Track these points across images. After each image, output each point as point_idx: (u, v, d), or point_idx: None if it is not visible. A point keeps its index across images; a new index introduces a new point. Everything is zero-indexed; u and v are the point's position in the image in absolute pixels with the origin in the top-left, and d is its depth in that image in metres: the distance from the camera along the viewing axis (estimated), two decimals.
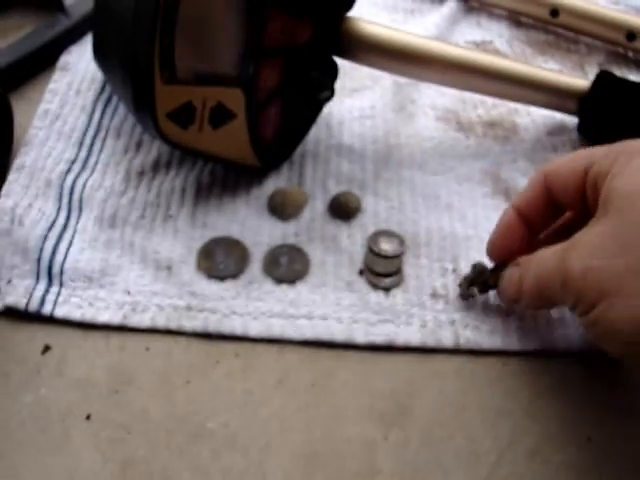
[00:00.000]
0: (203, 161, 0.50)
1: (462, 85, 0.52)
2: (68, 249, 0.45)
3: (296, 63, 0.47)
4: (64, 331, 0.41)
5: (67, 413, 0.38)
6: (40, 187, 0.48)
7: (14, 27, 0.61)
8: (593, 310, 0.33)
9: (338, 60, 0.50)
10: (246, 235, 0.46)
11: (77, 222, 0.46)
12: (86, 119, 0.54)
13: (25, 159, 0.50)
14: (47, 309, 0.42)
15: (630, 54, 0.64)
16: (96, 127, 0.53)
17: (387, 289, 0.44)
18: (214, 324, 0.41)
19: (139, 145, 0.52)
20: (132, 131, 0.53)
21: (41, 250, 0.44)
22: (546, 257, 0.37)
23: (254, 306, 0.42)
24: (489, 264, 0.43)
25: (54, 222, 0.46)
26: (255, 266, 0.45)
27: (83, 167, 0.50)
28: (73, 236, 0.46)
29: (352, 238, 0.46)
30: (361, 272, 0.45)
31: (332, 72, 0.49)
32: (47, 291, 0.42)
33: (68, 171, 0.50)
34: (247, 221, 0.47)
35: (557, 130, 0.55)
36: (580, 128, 0.54)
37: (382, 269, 0.44)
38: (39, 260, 0.44)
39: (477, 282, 0.43)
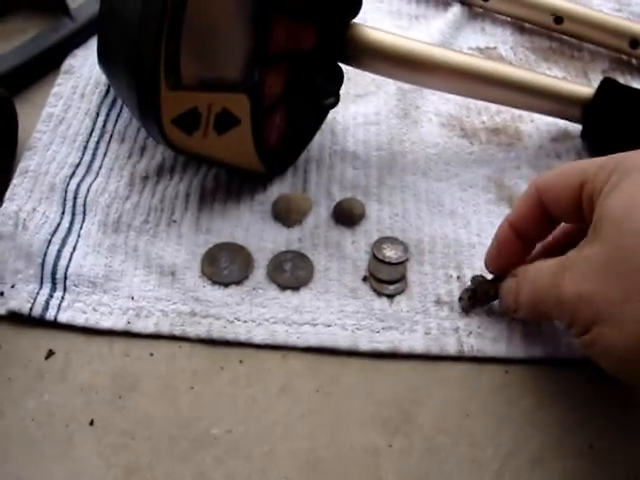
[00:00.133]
0: (207, 166, 0.50)
1: (466, 92, 0.52)
2: (72, 254, 0.45)
3: (301, 69, 0.47)
4: (68, 336, 0.41)
5: (71, 418, 0.38)
6: (44, 191, 0.48)
7: (19, 30, 0.61)
8: (588, 333, 0.33)
9: (342, 66, 0.50)
10: (250, 241, 0.46)
11: (81, 227, 0.46)
12: (90, 123, 0.54)
13: (29, 163, 0.50)
14: (51, 314, 0.42)
15: (634, 61, 0.64)
16: (100, 131, 0.53)
17: (391, 296, 0.44)
18: (218, 330, 0.41)
19: (143, 149, 0.52)
20: (136, 135, 0.53)
21: (45, 255, 0.44)
22: (541, 272, 0.37)
23: (258, 312, 0.43)
24: (488, 275, 0.43)
25: (58, 226, 0.46)
26: (259, 272, 0.45)
27: (87, 171, 0.50)
28: (77, 241, 0.46)
29: (356, 244, 0.46)
30: (365, 279, 0.45)
31: (337, 78, 0.49)
32: (51, 296, 0.42)
33: (72, 175, 0.50)
34: (251, 227, 0.47)
35: (561, 137, 0.55)
36: (583, 135, 0.54)
37: (386, 276, 0.44)
38: (43, 265, 0.44)
39: (478, 293, 0.43)
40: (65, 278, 0.43)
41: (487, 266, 0.43)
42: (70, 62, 0.58)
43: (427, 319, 0.43)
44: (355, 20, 0.49)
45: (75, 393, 0.39)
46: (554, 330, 0.42)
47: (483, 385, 0.41)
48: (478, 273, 0.44)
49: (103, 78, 0.57)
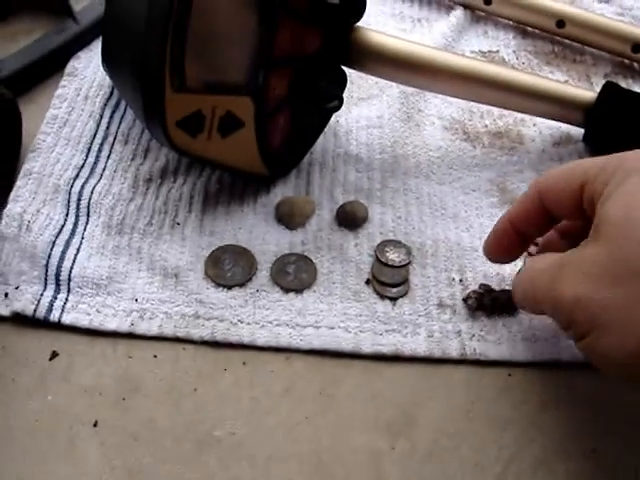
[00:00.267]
0: (211, 169, 0.50)
1: (469, 95, 0.52)
2: (76, 255, 0.45)
3: (305, 72, 0.47)
4: (72, 338, 0.42)
5: (74, 420, 0.38)
6: (48, 193, 0.48)
7: (23, 32, 0.61)
8: (586, 338, 0.33)
9: (346, 69, 0.50)
10: (253, 243, 0.46)
11: (85, 228, 0.47)
12: (94, 125, 0.54)
13: (33, 165, 0.50)
14: (55, 315, 0.42)
15: (636, 65, 0.64)
16: (104, 133, 0.54)
17: (394, 299, 0.44)
18: (221, 332, 0.42)
19: (147, 152, 0.52)
20: (140, 137, 0.53)
21: (49, 256, 0.44)
22: (539, 270, 0.37)
23: (261, 314, 0.43)
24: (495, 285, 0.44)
25: (62, 228, 0.46)
26: (262, 274, 0.45)
27: (91, 173, 0.50)
28: (81, 242, 0.46)
29: (359, 247, 0.47)
30: (368, 282, 0.45)
31: (340, 82, 0.49)
32: (55, 297, 0.43)
33: (76, 177, 0.50)
34: (254, 229, 0.47)
35: (563, 141, 0.56)
36: (586, 139, 0.54)
37: (389, 279, 0.44)
38: (47, 266, 0.44)
39: (485, 299, 0.43)
40: (69, 280, 0.43)
41: (485, 253, 0.43)
42: (74, 64, 0.59)
43: (430, 322, 0.43)
44: (359, 23, 0.49)
45: (79, 394, 0.39)
46: (557, 333, 0.42)
47: (486, 388, 0.41)
48: (480, 276, 0.44)
49: (107, 80, 0.57)
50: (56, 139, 0.52)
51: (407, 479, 0.37)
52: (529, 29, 0.67)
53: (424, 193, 0.50)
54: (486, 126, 0.57)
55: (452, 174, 0.52)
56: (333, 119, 0.54)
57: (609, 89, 0.52)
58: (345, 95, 0.50)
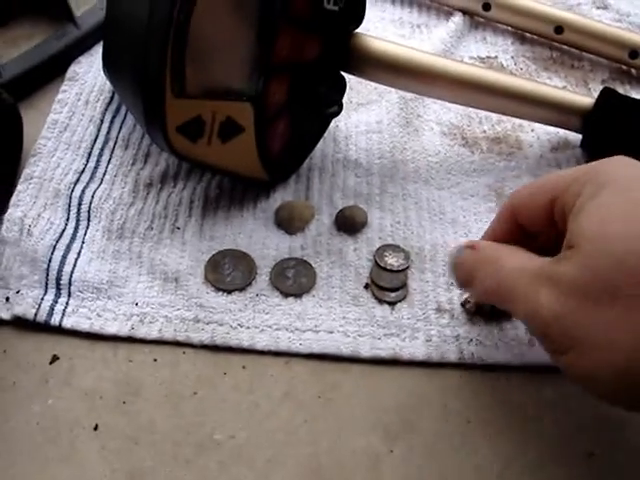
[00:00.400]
0: (211, 174, 0.51)
1: (467, 101, 0.53)
2: (76, 260, 0.45)
3: (304, 78, 0.47)
4: (72, 341, 0.42)
5: (75, 423, 0.38)
6: (49, 197, 0.48)
7: (24, 37, 0.61)
8: (564, 355, 0.32)
9: (345, 75, 0.50)
10: (253, 248, 0.47)
11: (85, 233, 0.47)
12: (94, 130, 0.54)
13: (34, 169, 0.50)
14: (55, 319, 0.42)
15: (633, 71, 0.64)
16: (104, 138, 0.54)
17: (392, 303, 0.44)
18: (221, 336, 0.42)
19: (147, 156, 0.52)
20: (140, 142, 0.54)
21: (50, 260, 0.44)
22: (512, 271, 0.35)
23: (261, 319, 0.43)
24: None
25: (62, 232, 0.46)
26: (262, 279, 0.45)
27: (91, 178, 0.51)
28: (81, 247, 0.46)
29: (358, 252, 0.47)
30: (367, 286, 0.45)
31: (340, 87, 0.49)
32: (55, 301, 0.43)
33: (76, 182, 0.50)
34: (254, 234, 0.47)
35: (561, 146, 0.56)
36: (583, 145, 0.55)
37: (387, 283, 0.44)
38: (48, 270, 0.44)
39: (484, 307, 0.43)
40: (70, 284, 0.44)
41: None
42: (74, 69, 0.59)
43: (428, 326, 0.43)
44: (358, 29, 0.50)
45: (79, 398, 0.39)
46: None
47: (483, 392, 0.41)
48: None
49: (107, 85, 0.57)
50: (57, 144, 0.52)
51: None
52: (527, 35, 0.67)
53: (423, 198, 0.51)
54: (484, 132, 0.57)
55: (450, 179, 0.52)
56: (332, 124, 0.54)
57: (607, 95, 0.53)
58: (345, 101, 0.50)
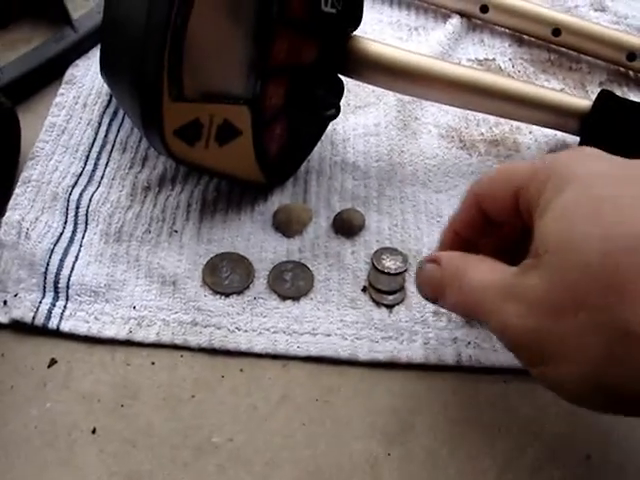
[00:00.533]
0: (208, 177, 0.51)
1: (465, 104, 0.53)
2: (74, 263, 0.45)
3: (302, 81, 0.47)
4: (70, 345, 0.42)
5: (73, 427, 0.38)
6: (46, 201, 0.48)
7: (22, 40, 0.61)
8: (536, 367, 0.32)
9: (343, 78, 0.50)
10: (251, 251, 0.47)
11: (83, 236, 0.47)
12: (92, 133, 0.54)
13: (32, 172, 0.50)
14: (53, 323, 0.42)
15: (631, 74, 0.64)
16: (102, 141, 0.54)
17: (390, 306, 0.44)
18: (219, 339, 0.42)
19: (145, 160, 0.52)
20: (138, 145, 0.54)
21: (47, 264, 0.44)
22: (479, 283, 0.34)
23: (259, 322, 0.43)
24: None
25: (60, 236, 0.46)
26: (260, 282, 0.45)
27: (89, 181, 0.51)
28: (79, 250, 0.46)
29: (356, 255, 0.47)
30: (364, 289, 0.45)
31: (337, 90, 0.49)
32: (53, 305, 0.43)
33: (74, 185, 0.50)
34: (252, 237, 0.47)
35: (559, 149, 0.56)
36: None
37: (385, 286, 0.44)
38: (45, 274, 0.44)
39: None
40: (67, 287, 0.44)
41: None
42: (72, 72, 0.59)
43: (426, 329, 0.43)
44: (355, 32, 0.50)
45: (77, 401, 0.39)
46: None
47: (481, 395, 0.41)
48: None
49: (105, 88, 0.57)
50: (54, 147, 0.52)
51: None
52: (525, 37, 0.68)
53: (420, 201, 0.51)
54: (482, 134, 0.57)
55: (448, 182, 0.53)
56: (330, 127, 0.54)
57: (604, 97, 0.53)
58: (342, 103, 0.50)
